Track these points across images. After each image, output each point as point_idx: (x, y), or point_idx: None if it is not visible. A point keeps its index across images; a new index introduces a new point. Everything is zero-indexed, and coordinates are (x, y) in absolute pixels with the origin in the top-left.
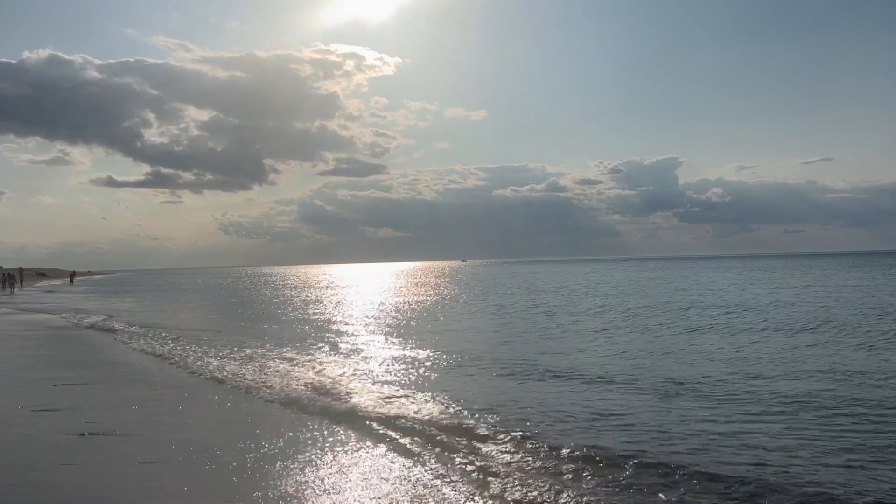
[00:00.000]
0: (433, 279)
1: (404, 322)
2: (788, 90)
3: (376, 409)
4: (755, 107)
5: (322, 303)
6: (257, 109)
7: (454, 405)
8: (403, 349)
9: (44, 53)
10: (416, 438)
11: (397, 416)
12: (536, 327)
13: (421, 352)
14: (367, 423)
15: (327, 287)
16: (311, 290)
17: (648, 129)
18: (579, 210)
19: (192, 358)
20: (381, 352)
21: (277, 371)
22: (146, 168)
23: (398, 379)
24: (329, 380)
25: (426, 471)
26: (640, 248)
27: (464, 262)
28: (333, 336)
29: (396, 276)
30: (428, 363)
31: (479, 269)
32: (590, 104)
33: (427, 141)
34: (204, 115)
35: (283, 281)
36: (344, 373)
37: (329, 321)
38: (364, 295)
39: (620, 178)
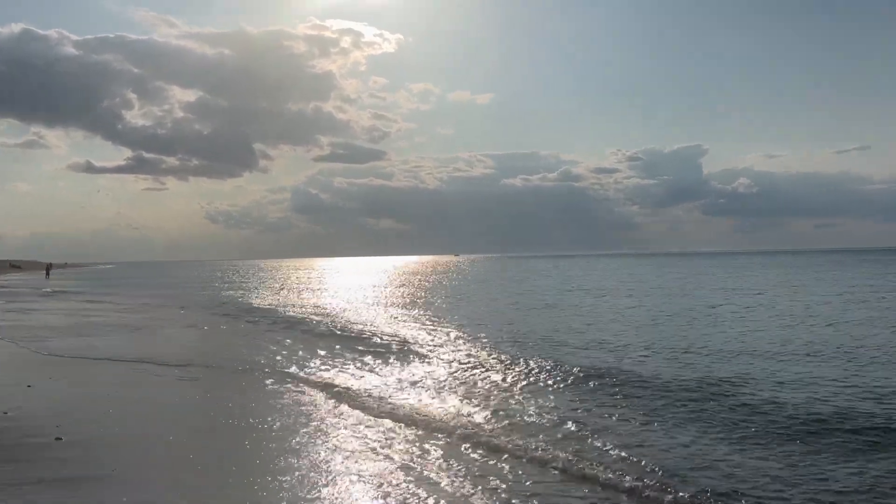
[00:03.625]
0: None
1: None
2: (821, 73)
3: None
4: (786, 91)
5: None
6: (247, 90)
7: None
8: None
9: (17, 28)
10: None
11: None
12: None
13: None
14: None
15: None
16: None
17: (670, 114)
18: (595, 201)
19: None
20: None
21: None
22: (127, 152)
23: None
24: None
25: None
26: (659, 241)
27: (456, 258)
28: None
29: (406, 275)
30: None
31: (487, 267)
32: (606, 87)
33: (430, 125)
34: (189, 95)
35: (280, 276)
36: None
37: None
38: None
39: (639, 167)
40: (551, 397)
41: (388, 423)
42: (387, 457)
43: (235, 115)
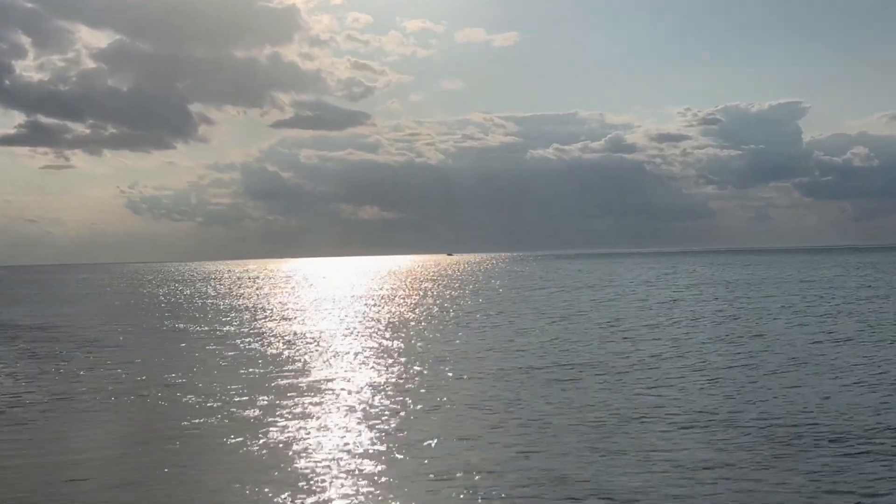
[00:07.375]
0: None
1: None
2: None
3: None
4: None
5: None
6: (179, 31)
7: None
8: None
9: None
10: None
11: None
12: None
13: None
14: None
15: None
16: None
17: (759, 61)
18: (655, 179)
19: None
20: None
21: None
22: (19, 117)
23: None
24: None
25: None
26: (743, 234)
27: (450, 257)
28: None
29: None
30: None
31: (497, 272)
32: (671, 26)
33: (430, 77)
34: (101, 39)
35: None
36: None
37: None
38: None
39: (717, 133)
40: None
41: None
42: None
43: (164, 66)
